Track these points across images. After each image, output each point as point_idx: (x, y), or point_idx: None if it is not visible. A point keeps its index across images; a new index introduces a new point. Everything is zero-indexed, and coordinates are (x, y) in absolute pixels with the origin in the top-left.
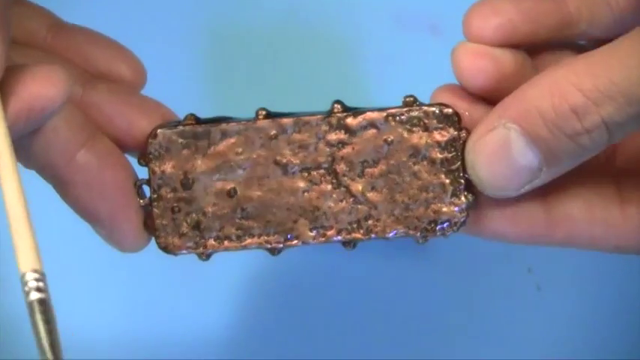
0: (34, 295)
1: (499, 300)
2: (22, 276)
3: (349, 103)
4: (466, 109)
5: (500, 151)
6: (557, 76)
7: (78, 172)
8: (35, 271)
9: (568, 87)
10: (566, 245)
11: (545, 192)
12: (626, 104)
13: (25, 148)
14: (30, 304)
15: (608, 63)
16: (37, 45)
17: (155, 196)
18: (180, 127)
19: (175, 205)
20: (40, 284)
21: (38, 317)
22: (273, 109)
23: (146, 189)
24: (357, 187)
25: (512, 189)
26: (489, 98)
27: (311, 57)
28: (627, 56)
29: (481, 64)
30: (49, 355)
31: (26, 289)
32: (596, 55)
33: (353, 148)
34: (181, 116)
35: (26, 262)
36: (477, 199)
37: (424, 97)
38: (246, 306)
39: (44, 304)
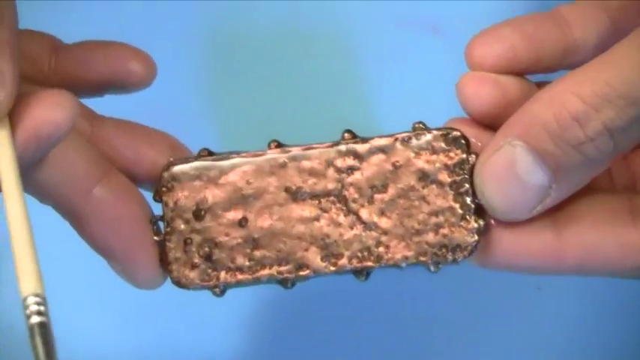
0: (35, 319)
1: (499, 300)
2: (24, 300)
3: (349, 104)
4: (475, 136)
5: (508, 170)
6: (557, 88)
7: (94, 206)
8: (36, 295)
9: (567, 95)
10: (579, 269)
11: (555, 214)
12: (627, 106)
13: (42, 183)
14: (31, 328)
15: (604, 68)
16: (43, 69)
17: (168, 229)
18: (192, 159)
19: (188, 237)
20: (41, 308)
21: (38, 340)
22: (273, 110)
23: (162, 225)
24: (367, 213)
25: (523, 211)
26: (497, 126)
27: (312, 58)
28: (622, 58)
29: (485, 91)
30: None
31: (27, 312)
32: (594, 62)
33: (362, 174)
34: (188, 144)
35: (28, 286)
36: (487, 224)
37: (426, 99)
38: (256, 329)
39: (44, 327)
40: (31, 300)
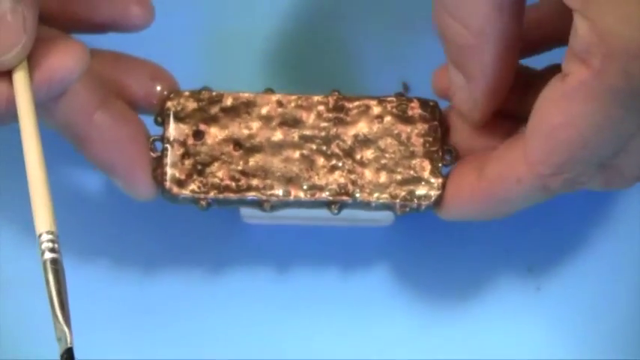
0: (48, 255)
1: (499, 300)
2: (39, 236)
3: None
4: None
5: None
6: None
7: (96, 129)
8: (50, 232)
9: None
10: (496, 193)
11: (480, 159)
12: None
13: (49, 110)
14: (44, 263)
15: None
16: (44, 12)
17: (168, 145)
18: (197, 91)
19: (186, 152)
20: (55, 245)
21: (50, 276)
22: None
23: (158, 146)
24: (348, 158)
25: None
26: None
27: (310, 57)
28: None
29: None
30: (58, 312)
31: (42, 247)
32: None
33: (347, 126)
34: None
35: (42, 223)
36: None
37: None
38: None
39: (56, 263)
40: (45, 237)
